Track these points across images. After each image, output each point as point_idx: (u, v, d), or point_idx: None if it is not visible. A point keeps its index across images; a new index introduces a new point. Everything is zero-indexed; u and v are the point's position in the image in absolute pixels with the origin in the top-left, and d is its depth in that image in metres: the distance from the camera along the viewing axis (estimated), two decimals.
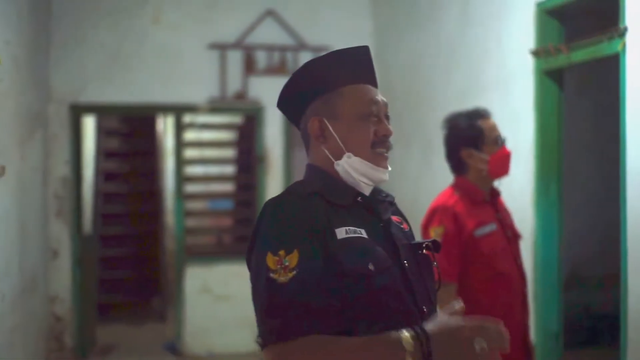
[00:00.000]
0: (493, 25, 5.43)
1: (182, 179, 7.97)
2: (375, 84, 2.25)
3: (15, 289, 5.70)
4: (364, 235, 2.08)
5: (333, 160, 2.18)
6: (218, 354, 7.75)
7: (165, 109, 7.96)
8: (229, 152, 9.19)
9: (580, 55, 4.39)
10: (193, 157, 8.38)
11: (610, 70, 4.15)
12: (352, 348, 1.90)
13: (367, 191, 2.21)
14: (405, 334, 1.86)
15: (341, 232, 2.04)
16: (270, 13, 7.84)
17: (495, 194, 3.86)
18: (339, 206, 2.12)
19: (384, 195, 2.29)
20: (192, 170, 8.48)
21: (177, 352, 7.93)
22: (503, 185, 5.05)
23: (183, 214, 8.01)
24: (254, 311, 2.01)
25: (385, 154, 2.20)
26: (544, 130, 4.82)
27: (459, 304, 1.99)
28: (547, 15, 4.75)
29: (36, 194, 6.74)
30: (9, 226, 5.55)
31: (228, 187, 8.96)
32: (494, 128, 3.76)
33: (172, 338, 8.19)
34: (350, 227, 2.07)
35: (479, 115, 3.77)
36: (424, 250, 2.22)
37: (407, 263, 2.13)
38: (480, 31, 5.65)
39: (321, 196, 2.12)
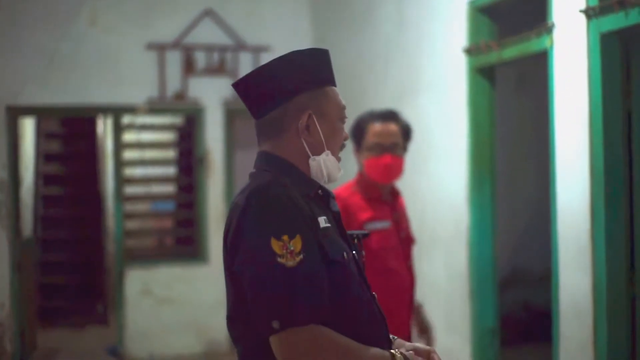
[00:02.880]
0: (427, 24, 5.44)
1: (121, 181, 7.89)
2: None
3: None
4: (330, 225, 2.18)
5: (310, 154, 2.23)
6: (160, 357, 7.68)
7: (104, 110, 7.86)
8: (170, 154, 9.13)
9: (511, 52, 4.42)
10: (133, 159, 8.30)
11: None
12: (353, 348, 2.05)
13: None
14: (398, 354, 2.10)
15: (322, 221, 2.13)
16: (208, 13, 7.78)
17: (395, 194, 3.89)
18: (307, 197, 2.17)
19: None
20: (132, 172, 8.40)
21: (119, 356, 7.84)
22: (437, 183, 5.09)
23: (122, 216, 7.93)
24: (256, 297, 2.03)
25: None
26: (477, 127, 4.84)
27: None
28: (478, 13, 4.77)
29: None
30: None
31: (169, 188, 8.88)
32: (378, 134, 3.71)
33: (114, 342, 8.11)
34: (324, 217, 2.16)
35: (372, 117, 3.76)
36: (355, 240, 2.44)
37: (355, 253, 2.27)
38: (415, 31, 5.65)
39: (293, 186, 2.15)
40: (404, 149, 3.79)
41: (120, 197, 7.88)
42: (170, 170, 8.99)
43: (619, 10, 3.44)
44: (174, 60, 7.72)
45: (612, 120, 3.62)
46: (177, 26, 7.74)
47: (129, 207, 8.25)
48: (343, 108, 2.31)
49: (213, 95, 7.83)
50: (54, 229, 10.25)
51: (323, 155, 2.24)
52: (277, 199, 2.07)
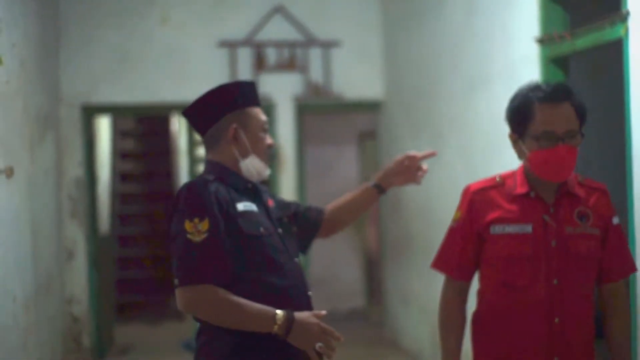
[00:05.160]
0: (498, 14, 5.38)
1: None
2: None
3: (28, 290, 5.71)
4: (255, 209, 2.99)
5: (240, 158, 3.05)
6: None
7: (177, 108, 7.95)
8: None
9: (584, 41, 4.33)
10: None
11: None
12: (240, 304, 2.77)
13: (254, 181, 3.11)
14: (280, 312, 2.78)
15: (240, 206, 2.93)
16: (278, 9, 7.82)
17: (565, 194, 3.03)
18: (235, 189, 2.99)
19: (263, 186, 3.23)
20: None
21: (195, 350, 7.91)
22: None
23: None
24: (173, 263, 2.82)
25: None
26: None
27: (324, 312, 2.85)
28: (550, 2, 4.70)
29: (49, 195, 6.76)
30: (19, 227, 5.56)
31: None
32: (549, 120, 2.89)
33: (190, 336, 8.19)
34: (246, 203, 2.97)
35: (538, 96, 2.94)
36: (285, 219, 3.20)
37: (280, 230, 3.08)
38: (485, 21, 5.60)
39: (222, 182, 2.96)
40: (581, 135, 2.95)
41: None
42: None
43: None
44: (245, 57, 7.78)
45: None
46: (248, 23, 7.80)
47: None
48: (264, 122, 3.12)
49: (284, 91, 7.86)
50: (130, 226, 10.42)
51: (249, 158, 3.05)
52: (196, 191, 2.84)
